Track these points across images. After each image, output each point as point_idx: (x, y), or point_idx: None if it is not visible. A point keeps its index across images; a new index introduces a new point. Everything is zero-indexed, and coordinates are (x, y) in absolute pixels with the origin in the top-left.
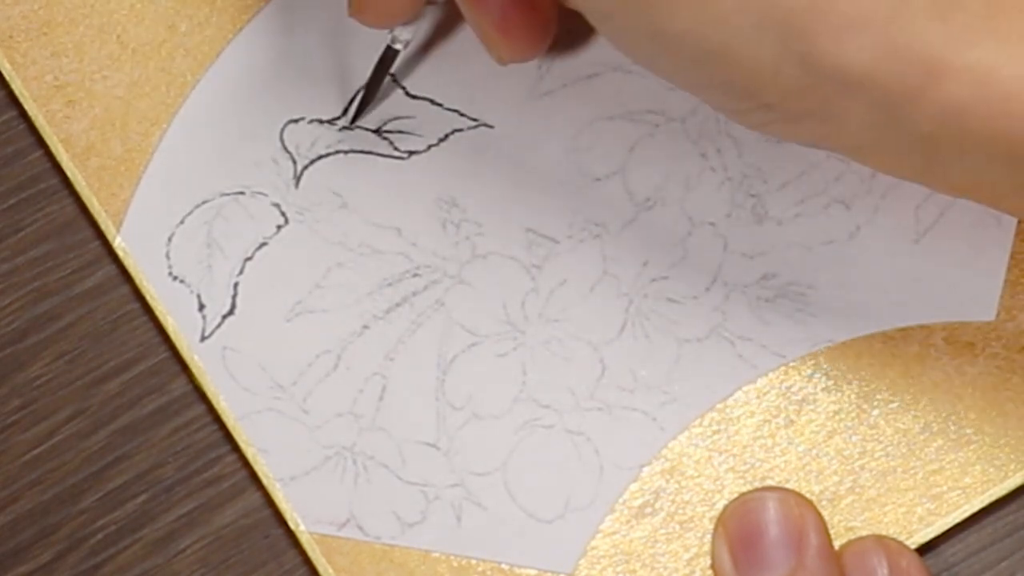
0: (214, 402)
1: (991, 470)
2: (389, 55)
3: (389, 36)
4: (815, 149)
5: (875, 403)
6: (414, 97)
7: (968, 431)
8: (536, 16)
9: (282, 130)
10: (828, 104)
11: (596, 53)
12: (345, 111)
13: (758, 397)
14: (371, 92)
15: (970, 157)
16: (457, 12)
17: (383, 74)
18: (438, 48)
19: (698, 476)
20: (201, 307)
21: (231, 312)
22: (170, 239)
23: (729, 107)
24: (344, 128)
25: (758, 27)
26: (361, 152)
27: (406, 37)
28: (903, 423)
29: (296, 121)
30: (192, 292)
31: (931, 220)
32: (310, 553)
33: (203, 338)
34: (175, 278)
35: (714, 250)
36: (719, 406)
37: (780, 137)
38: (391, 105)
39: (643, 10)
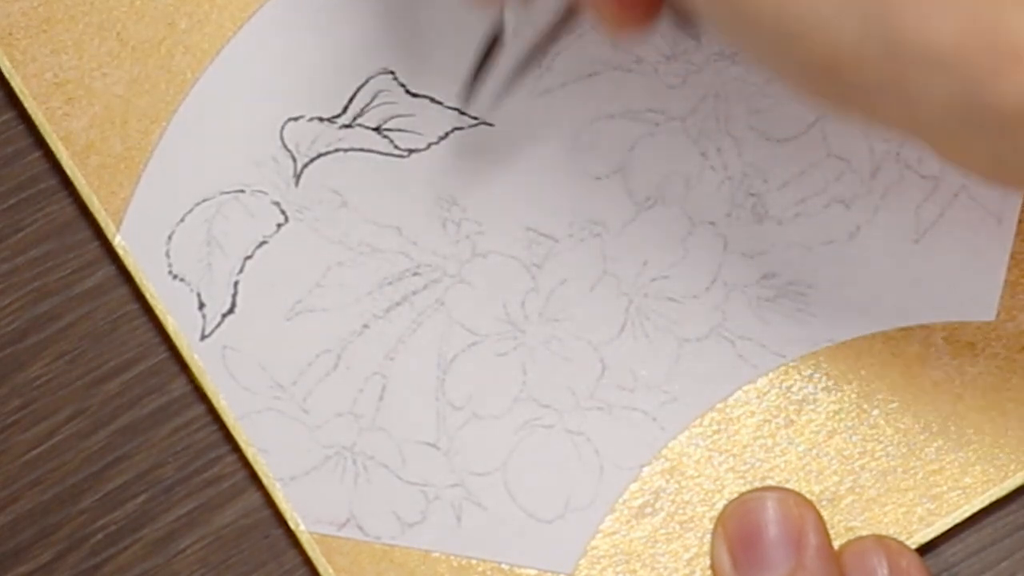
0: (214, 402)
1: (991, 470)
2: (493, 44)
3: (498, 22)
4: (889, 136)
5: (875, 403)
6: (414, 95)
7: (968, 431)
8: None
9: (282, 128)
10: (908, 84)
11: (596, 52)
12: (345, 109)
13: (758, 397)
14: (477, 82)
15: None
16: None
17: (488, 64)
18: (439, 46)
19: (698, 476)
20: (201, 306)
21: (231, 311)
22: (170, 237)
23: (807, 85)
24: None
25: (841, 4)
26: (361, 150)
27: (512, 24)
28: (903, 423)
29: (296, 119)
30: (192, 291)
31: (931, 220)
32: (310, 553)
33: (203, 337)
34: (175, 277)
35: (714, 249)
36: (719, 406)
37: (859, 119)
38: (392, 103)
39: None
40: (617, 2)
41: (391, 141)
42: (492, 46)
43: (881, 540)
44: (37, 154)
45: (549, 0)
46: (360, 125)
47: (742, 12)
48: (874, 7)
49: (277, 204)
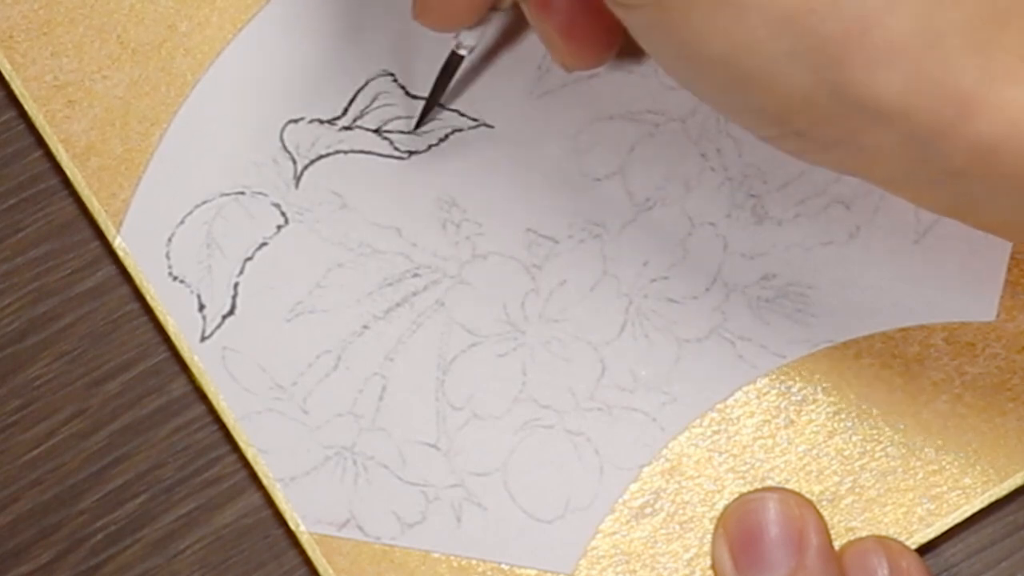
0: (214, 402)
1: (991, 470)
2: (454, 61)
3: (454, 42)
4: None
5: (875, 403)
6: (414, 97)
7: (968, 431)
8: (602, 23)
9: (282, 130)
10: (859, 134)
11: None
12: (345, 111)
13: (758, 397)
14: (434, 99)
15: (1002, 195)
16: (522, 18)
17: (447, 80)
18: (438, 48)
19: (698, 476)
20: (201, 307)
21: (231, 312)
22: (170, 239)
23: (762, 132)
24: (343, 128)
25: (791, 54)
26: (361, 152)
27: (471, 43)
28: (903, 423)
29: (296, 121)
30: (192, 292)
31: (931, 220)
32: (310, 553)
33: (203, 338)
34: (175, 278)
35: (714, 250)
36: (719, 406)
37: (813, 163)
38: (392, 105)
39: (678, 32)
40: (566, 35)
41: (391, 143)
42: (450, 66)
43: (882, 541)
44: (37, 154)
45: (503, 22)
46: (360, 127)
47: (693, 56)
48: (823, 59)
49: (277, 206)
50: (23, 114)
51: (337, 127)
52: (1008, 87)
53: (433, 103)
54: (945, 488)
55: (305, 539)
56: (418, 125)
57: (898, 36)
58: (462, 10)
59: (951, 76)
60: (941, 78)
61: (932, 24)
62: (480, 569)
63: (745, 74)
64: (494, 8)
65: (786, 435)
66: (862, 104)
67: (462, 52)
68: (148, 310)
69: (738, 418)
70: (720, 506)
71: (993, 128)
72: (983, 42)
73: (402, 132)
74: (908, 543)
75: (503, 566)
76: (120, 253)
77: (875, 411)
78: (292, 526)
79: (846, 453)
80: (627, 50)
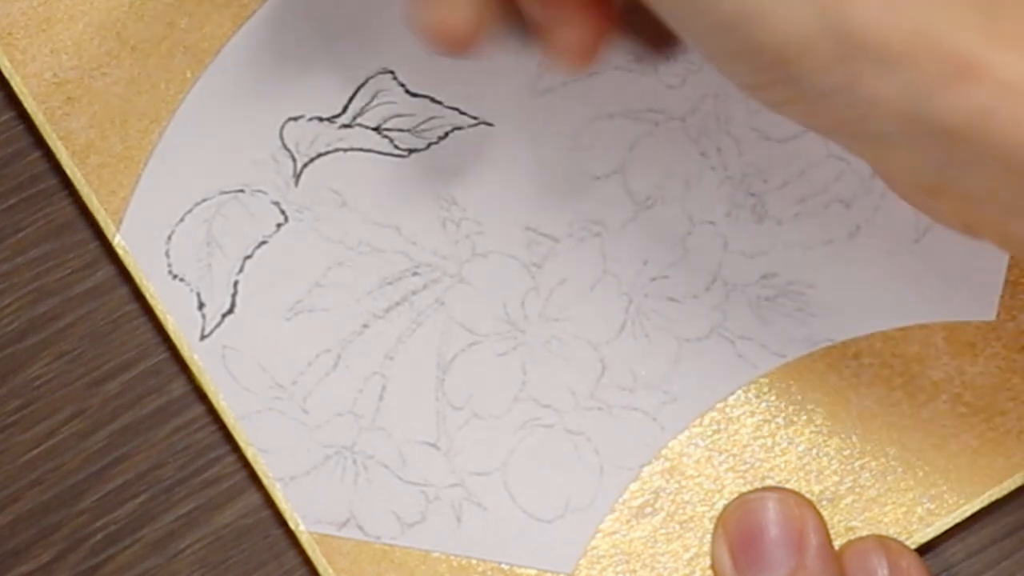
0: (214, 402)
1: (991, 470)
2: None
3: None
4: (830, 142)
5: (875, 403)
6: (414, 95)
7: (968, 431)
8: (595, 20)
9: (282, 128)
10: (857, 82)
11: None
12: (345, 108)
13: (758, 397)
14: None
15: (988, 164)
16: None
17: None
18: None
19: (698, 476)
20: (201, 305)
21: (231, 311)
22: (170, 237)
23: (752, 80)
24: (343, 126)
25: None
26: (361, 150)
27: None
28: (903, 423)
29: (296, 119)
30: (192, 290)
31: (931, 220)
32: (310, 553)
33: (203, 337)
34: (175, 276)
35: (714, 249)
36: (719, 406)
37: (799, 118)
38: (391, 103)
39: None
40: (568, 40)
41: (391, 141)
42: None
43: (882, 540)
44: (37, 154)
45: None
46: (360, 125)
47: None
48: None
49: (277, 204)
50: (23, 114)
51: (337, 125)
52: (1009, 51)
53: None
54: (945, 488)
55: (305, 539)
56: None
57: None
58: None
59: (954, 33)
60: (945, 33)
61: None
62: (480, 569)
63: (746, 11)
64: None
65: (786, 435)
66: (865, 49)
67: None
68: (148, 310)
69: (738, 418)
70: (720, 506)
71: (989, 91)
72: (992, 3)
73: (402, 130)
74: (908, 543)
75: (503, 566)
76: (119, 251)
77: (875, 410)
78: (292, 526)
79: (846, 453)
80: (627, 49)
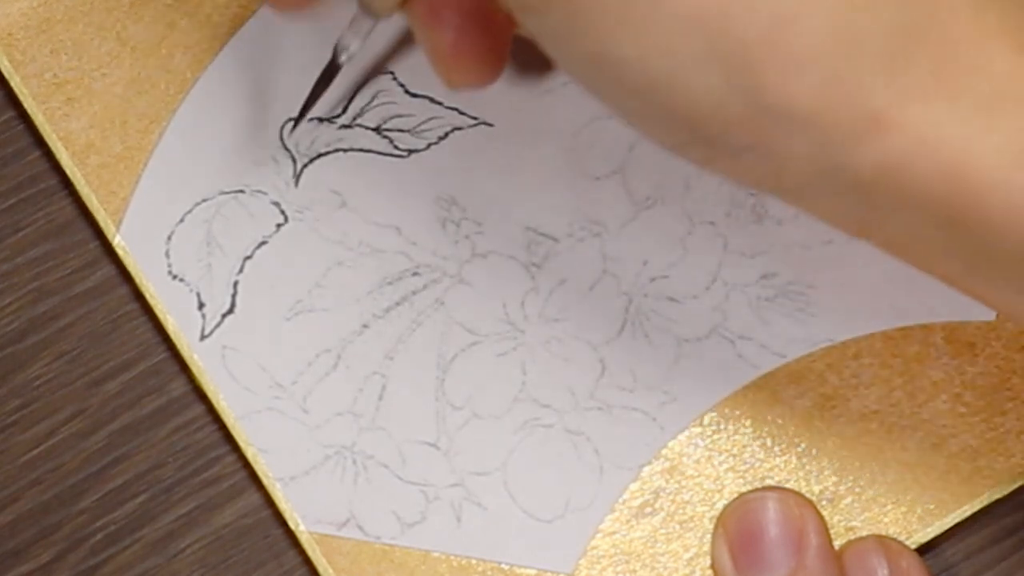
0: (214, 402)
1: (991, 470)
2: (332, 70)
3: (336, 50)
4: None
5: (875, 403)
6: (414, 95)
7: (968, 431)
8: (490, 41)
9: (282, 128)
10: (770, 140)
11: None
12: (345, 109)
13: (758, 397)
14: (307, 107)
15: (906, 213)
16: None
17: (323, 89)
18: None
19: (698, 476)
20: (201, 306)
21: (231, 311)
22: (170, 237)
23: (669, 140)
24: (342, 126)
25: (704, 58)
26: (361, 150)
27: (353, 49)
28: (903, 423)
29: (296, 119)
30: (192, 291)
31: None
32: (310, 553)
33: (203, 337)
34: (175, 276)
35: (714, 249)
36: (719, 406)
37: (720, 175)
38: (391, 103)
39: (586, 34)
40: (453, 52)
41: (391, 141)
42: (327, 75)
43: (881, 540)
44: (37, 154)
45: (389, 27)
46: (360, 125)
47: (602, 59)
48: (736, 63)
49: (277, 204)
50: (23, 114)
51: (337, 125)
52: (918, 104)
53: (306, 112)
54: (945, 488)
55: (305, 539)
56: (294, 127)
57: (812, 43)
58: None
59: (863, 89)
60: (853, 89)
61: (847, 33)
62: (480, 569)
63: (656, 78)
64: (373, 16)
65: (786, 435)
66: (775, 109)
67: (342, 61)
68: (148, 309)
69: (738, 418)
70: (720, 506)
71: (901, 144)
72: (897, 55)
73: (402, 131)
74: (908, 543)
75: (503, 566)
76: (119, 251)
77: (875, 410)
78: (292, 526)
79: (846, 453)
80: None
